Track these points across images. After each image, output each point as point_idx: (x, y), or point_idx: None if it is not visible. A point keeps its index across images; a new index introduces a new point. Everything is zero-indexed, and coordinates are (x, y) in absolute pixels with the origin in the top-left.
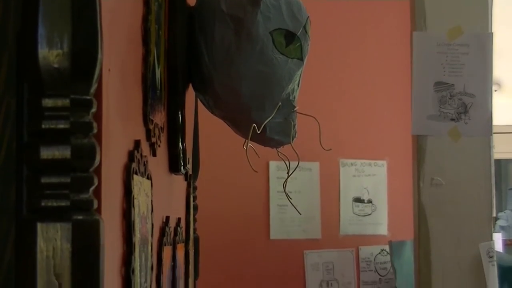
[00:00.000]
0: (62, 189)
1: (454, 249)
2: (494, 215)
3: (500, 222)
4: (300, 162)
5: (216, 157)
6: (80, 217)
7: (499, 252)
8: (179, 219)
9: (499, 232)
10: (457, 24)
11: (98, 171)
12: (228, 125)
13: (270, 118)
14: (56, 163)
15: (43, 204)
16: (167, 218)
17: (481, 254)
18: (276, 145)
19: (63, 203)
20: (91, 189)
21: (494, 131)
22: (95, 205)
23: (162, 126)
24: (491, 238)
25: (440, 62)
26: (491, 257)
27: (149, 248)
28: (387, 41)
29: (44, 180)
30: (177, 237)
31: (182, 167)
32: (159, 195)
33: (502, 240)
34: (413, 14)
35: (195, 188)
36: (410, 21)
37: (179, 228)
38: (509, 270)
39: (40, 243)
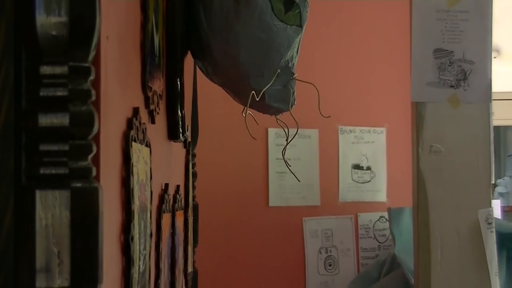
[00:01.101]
0: (61, 157)
1: (453, 216)
2: (493, 181)
3: (499, 189)
4: (299, 129)
5: (215, 124)
6: (79, 185)
7: (498, 218)
8: (178, 186)
9: (498, 198)
10: None
11: (96, 138)
12: (227, 92)
13: (269, 85)
14: (55, 130)
15: (41, 171)
16: (166, 185)
17: (480, 221)
18: (275, 112)
19: (61, 171)
20: (90, 156)
21: (493, 97)
22: (94, 173)
23: (161, 93)
24: (490, 205)
25: (440, 29)
26: (489, 223)
27: (148, 215)
28: (386, 8)
29: (42, 147)
30: (176, 205)
31: (181, 134)
32: (158, 163)
33: (501, 206)
34: None
35: (194, 156)
36: None
37: (178, 196)
38: (508, 237)
39: (39, 211)
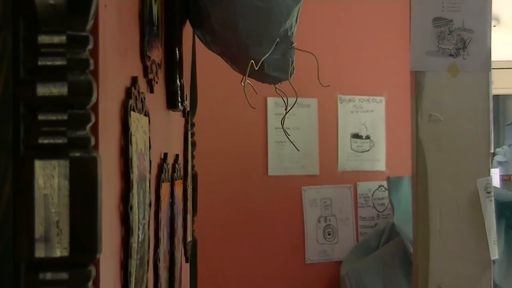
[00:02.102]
0: (59, 126)
1: (452, 185)
2: (492, 150)
3: (497, 158)
4: (298, 99)
5: (214, 93)
6: (77, 154)
7: (497, 187)
8: (177, 155)
9: (496, 167)
10: None
11: (95, 108)
12: (226, 61)
13: (268, 54)
14: (53, 100)
15: (40, 141)
16: (165, 155)
17: (479, 190)
18: (274, 81)
19: (60, 140)
20: (88, 126)
21: (492, 66)
22: (93, 142)
23: (160, 63)
24: (488, 174)
25: None
26: (488, 192)
27: (147, 185)
28: None
29: (41, 117)
30: (175, 174)
31: (179, 104)
32: (157, 132)
33: (500, 175)
34: None
35: (193, 125)
36: None
37: (177, 165)
38: (506, 206)
39: (38, 181)
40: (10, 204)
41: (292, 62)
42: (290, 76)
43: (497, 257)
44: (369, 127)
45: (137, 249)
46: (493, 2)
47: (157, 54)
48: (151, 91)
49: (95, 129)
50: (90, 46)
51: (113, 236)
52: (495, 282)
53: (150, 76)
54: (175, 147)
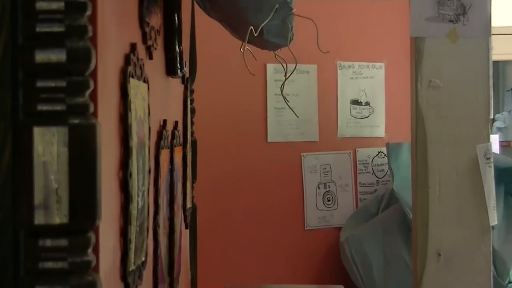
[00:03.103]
0: (58, 93)
1: (451, 151)
2: (492, 116)
3: (497, 124)
4: (297, 65)
5: (214, 60)
6: (76, 121)
7: (496, 153)
8: (176, 122)
9: (496, 133)
10: None
11: (94, 74)
12: (225, 28)
13: (267, 20)
14: (52, 66)
15: (39, 108)
16: (164, 121)
17: (478, 156)
18: (274, 47)
19: (59, 107)
20: (87, 93)
21: (492, 32)
22: (91, 109)
23: (159, 29)
24: (488, 140)
25: None
26: (488, 158)
27: (147, 151)
28: None
29: (39, 84)
30: (175, 140)
31: (179, 70)
32: (156, 99)
33: (499, 141)
34: None
35: (192, 91)
36: None
37: (176, 131)
38: (506, 171)
39: (37, 148)
40: (10, 171)
41: (292, 28)
42: (290, 43)
43: (496, 223)
44: (368, 93)
45: (137, 216)
46: None
47: (156, 20)
48: (150, 58)
49: (94, 96)
50: (88, 13)
51: (112, 203)
52: (494, 247)
53: (149, 42)
54: (175, 114)
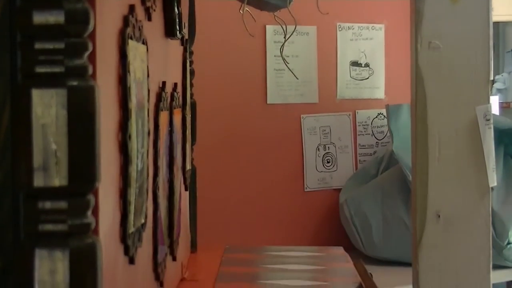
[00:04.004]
0: (56, 55)
1: (451, 113)
2: (492, 78)
3: (497, 85)
4: (297, 26)
5: (213, 21)
6: (75, 83)
7: (496, 115)
8: (175, 84)
9: (496, 95)
10: None
11: (92, 36)
12: None
13: None
14: (50, 28)
15: (37, 70)
16: (164, 83)
17: (478, 117)
18: (273, 9)
19: (57, 69)
20: (86, 54)
21: None
22: (90, 71)
23: None
24: (488, 101)
25: None
26: (488, 120)
27: (146, 113)
28: None
29: (37, 46)
30: (174, 102)
31: (178, 32)
32: (155, 61)
33: (499, 103)
34: None
35: (191, 53)
36: None
37: (175, 93)
38: (505, 133)
39: (36, 110)
40: (9, 133)
41: None
42: (289, 4)
43: (495, 184)
44: (368, 55)
45: (136, 178)
46: None
47: None
48: (149, 19)
49: (92, 58)
50: None
51: (111, 165)
52: (493, 209)
53: (148, 3)
54: (174, 76)
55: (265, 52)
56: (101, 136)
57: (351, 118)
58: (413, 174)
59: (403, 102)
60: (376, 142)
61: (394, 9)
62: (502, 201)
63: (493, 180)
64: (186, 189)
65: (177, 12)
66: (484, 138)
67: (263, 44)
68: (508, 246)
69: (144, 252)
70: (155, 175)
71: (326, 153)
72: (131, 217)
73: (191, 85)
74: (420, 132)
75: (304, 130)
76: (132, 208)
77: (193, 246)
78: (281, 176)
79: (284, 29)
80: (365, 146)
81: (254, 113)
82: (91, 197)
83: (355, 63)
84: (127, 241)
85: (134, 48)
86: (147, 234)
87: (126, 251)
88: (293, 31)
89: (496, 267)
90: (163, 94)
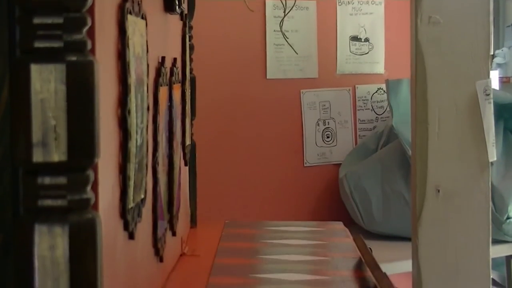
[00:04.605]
0: (55, 30)
1: (451, 87)
2: (492, 52)
3: (497, 60)
4: (296, 1)
5: None
6: (74, 58)
7: (496, 89)
8: (175, 59)
9: (496, 69)
10: None
11: (91, 11)
12: None
13: None
14: (49, 3)
15: (36, 45)
16: (163, 58)
17: (478, 92)
18: None
19: (56, 44)
20: (85, 29)
21: None
22: (89, 46)
23: None
24: (488, 76)
25: None
26: (487, 94)
27: (145, 89)
28: None
29: (36, 20)
30: (173, 78)
31: (177, 7)
32: (154, 36)
33: (499, 77)
34: None
35: (190, 28)
36: None
37: (175, 69)
38: (505, 107)
39: (35, 85)
40: (8, 109)
41: None
42: None
43: (495, 159)
44: (368, 29)
45: (136, 153)
46: None
47: None
48: None
49: (91, 33)
50: None
51: (111, 140)
52: (493, 183)
53: None
54: (173, 51)
55: (265, 27)
56: (100, 112)
57: (350, 93)
58: (412, 149)
59: (403, 77)
60: (376, 117)
61: None
62: (502, 176)
63: (493, 155)
64: (185, 164)
65: None
66: (484, 113)
67: (262, 19)
68: (508, 220)
69: (143, 227)
70: (155, 150)
71: (326, 128)
72: (131, 192)
73: (191, 60)
74: (420, 107)
75: (304, 105)
76: (131, 183)
77: (193, 221)
78: (281, 151)
79: (284, 3)
80: (364, 121)
81: (254, 88)
82: (90, 173)
83: (355, 38)
84: (127, 217)
85: (133, 23)
86: (147, 209)
87: (126, 226)
88: (293, 5)
89: (496, 241)
90: (163, 69)
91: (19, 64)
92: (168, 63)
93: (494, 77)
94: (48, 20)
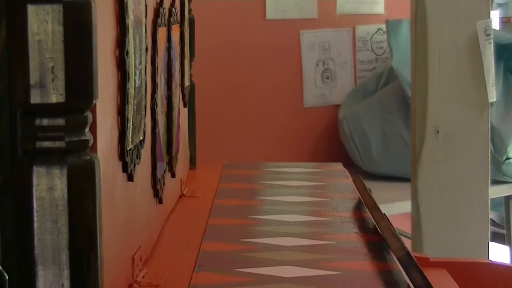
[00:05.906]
0: None
1: (451, 27)
2: None
3: (498, 0)
4: None
5: None
6: None
7: (496, 30)
8: None
9: (496, 9)
10: None
11: None
12: None
13: None
14: None
15: None
16: None
17: (478, 32)
18: None
19: None
20: None
21: None
22: None
23: None
24: (488, 16)
25: None
26: (488, 35)
27: (143, 29)
28: None
29: None
30: (172, 18)
31: None
32: None
33: (499, 17)
34: None
35: None
36: None
37: (173, 9)
38: (505, 48)
39: (32, 26)
40: (5, 51)
41: None
42: None
43: (495, 99)
44: None
45: (134, 95)
46: None
47: None
48: None
49: None
50: None
51: (109, 81)
52: (492, 124)
53: None
54: None
55: None
56: (98, 53)
57: (350, 34)
58: (412, 90)
59: (403, 17)
60: (376, 57)
61: None
62: (502, 116)
63: (493, 95)
64: (184, 106)
65: None
66: (484, 53)
67: None
68: (507, 161)
69: (142, 169)
70: (153, 91)
71: (325, 69)
72: (129, 134)
73: (189, 0)
74: (420, 47)
75: (303, 46)
76: (130, 125)
77: (192, 162)
78: (280, 92)
79: None
80: (364, 62)
81: (253, 29)
82: (88, 114)
83: None
84: (126, 158)
85: None
86: (146, 151)
87: (125, 168)
88: None
89: (495, 182)
90: (161, 9)
91: (15, 5)
92: (166, 4)
93: (495, 17)
94: None
